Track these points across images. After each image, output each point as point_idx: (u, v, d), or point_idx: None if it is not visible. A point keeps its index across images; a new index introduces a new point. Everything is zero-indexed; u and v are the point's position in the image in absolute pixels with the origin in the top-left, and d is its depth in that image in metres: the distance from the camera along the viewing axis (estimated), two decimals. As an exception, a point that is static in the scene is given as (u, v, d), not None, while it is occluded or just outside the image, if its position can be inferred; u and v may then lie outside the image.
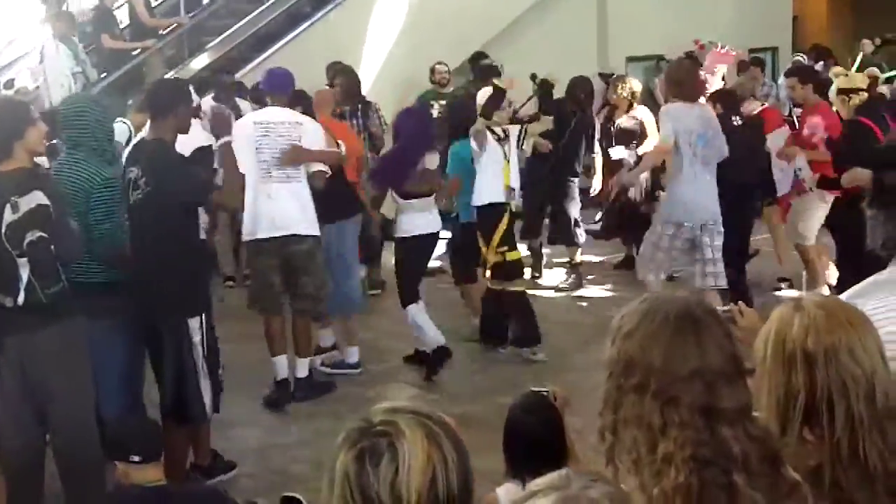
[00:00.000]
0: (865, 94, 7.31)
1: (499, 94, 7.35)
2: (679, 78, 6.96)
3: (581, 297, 8.80)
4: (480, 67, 10.26)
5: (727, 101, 7.93)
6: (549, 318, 7.81)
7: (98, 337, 4.58)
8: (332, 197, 6.55)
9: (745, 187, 7.55)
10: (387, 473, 1.57)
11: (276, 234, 6.19)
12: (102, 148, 4.89)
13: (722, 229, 6.74)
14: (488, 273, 7.14)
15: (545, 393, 3.39)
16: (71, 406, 4.40)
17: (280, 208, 6.19)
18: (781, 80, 13.01)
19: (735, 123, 7.57)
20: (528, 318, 7.14)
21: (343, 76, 8.21)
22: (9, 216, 4.09)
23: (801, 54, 13.13)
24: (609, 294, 8.83)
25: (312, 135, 6.35)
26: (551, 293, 8.86)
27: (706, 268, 6.71)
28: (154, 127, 4.97)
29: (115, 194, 4.82)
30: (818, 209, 7.67)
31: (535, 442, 3.22)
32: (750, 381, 1.98)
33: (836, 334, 2.05)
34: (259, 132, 6.22)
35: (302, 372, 6.48)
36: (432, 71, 10.85)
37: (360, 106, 8.64)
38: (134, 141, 5.55)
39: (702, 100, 7.30)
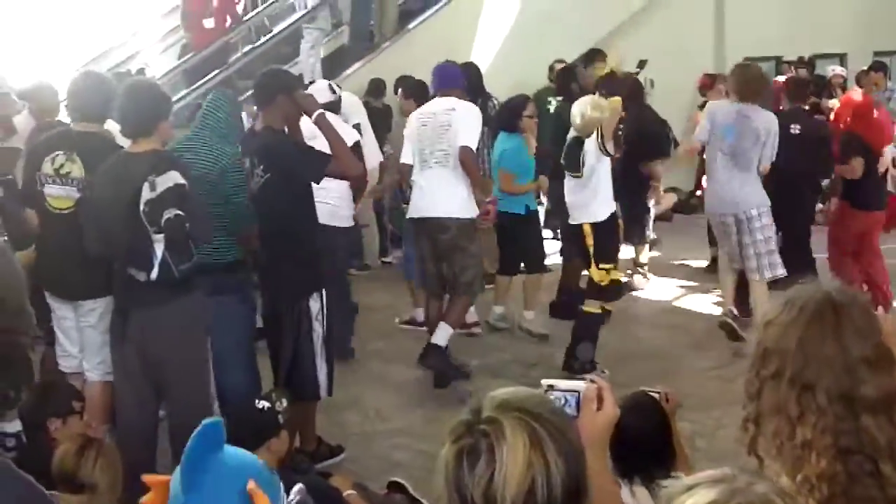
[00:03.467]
0: None
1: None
2: (746, 78, 7.00)
3: (688, 300, 8.67)
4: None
5: (798, 91, 8.39)
6: (659, 321, 7.72)
7: (221, 315, 4.72)
8: None
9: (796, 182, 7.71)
10: (482, 476, 1.53)
11: (418, 214, 6.49)
12: (225, 134, 5.11)
13: (765, 221, 6.84)
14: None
15: (656, 394, 3.37)
16: (188, 381, 4.52)
17: (427, 192, 6.41)
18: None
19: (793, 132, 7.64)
20: (593, 343, 6.61)
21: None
22: (147, 194, 4.24)
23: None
24: (717, 297, 8.66)
25: (463, 119, 6.38)
26: (656, 296, 8.71)
27: (760, 261, 6.85)
28: (262, 116, 5.25)
29: (243, 173, 5.00)
30: None
31: (638, 442, 3.19)
32: None
33: None
34: (420, 123, 6.50)
35: (441, 339, 6.39)
36: (551, 69, 10.71)
37: (479, 100, 8.64)
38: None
39: None
